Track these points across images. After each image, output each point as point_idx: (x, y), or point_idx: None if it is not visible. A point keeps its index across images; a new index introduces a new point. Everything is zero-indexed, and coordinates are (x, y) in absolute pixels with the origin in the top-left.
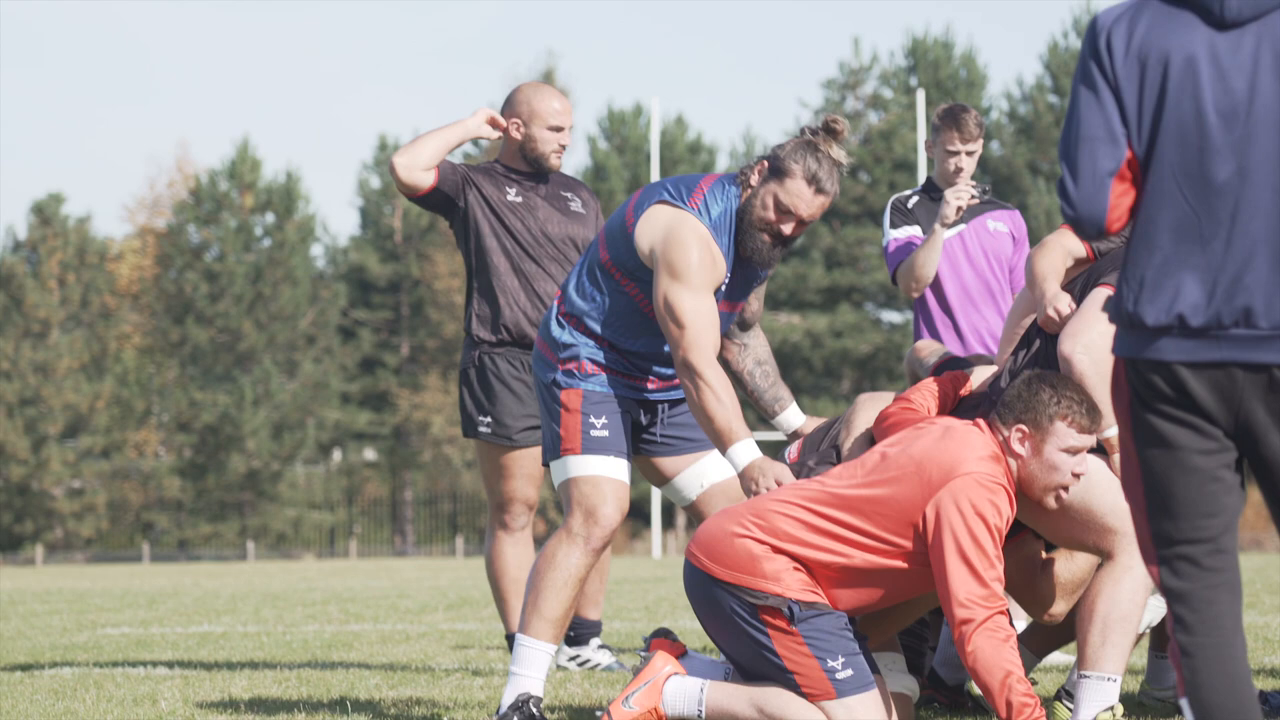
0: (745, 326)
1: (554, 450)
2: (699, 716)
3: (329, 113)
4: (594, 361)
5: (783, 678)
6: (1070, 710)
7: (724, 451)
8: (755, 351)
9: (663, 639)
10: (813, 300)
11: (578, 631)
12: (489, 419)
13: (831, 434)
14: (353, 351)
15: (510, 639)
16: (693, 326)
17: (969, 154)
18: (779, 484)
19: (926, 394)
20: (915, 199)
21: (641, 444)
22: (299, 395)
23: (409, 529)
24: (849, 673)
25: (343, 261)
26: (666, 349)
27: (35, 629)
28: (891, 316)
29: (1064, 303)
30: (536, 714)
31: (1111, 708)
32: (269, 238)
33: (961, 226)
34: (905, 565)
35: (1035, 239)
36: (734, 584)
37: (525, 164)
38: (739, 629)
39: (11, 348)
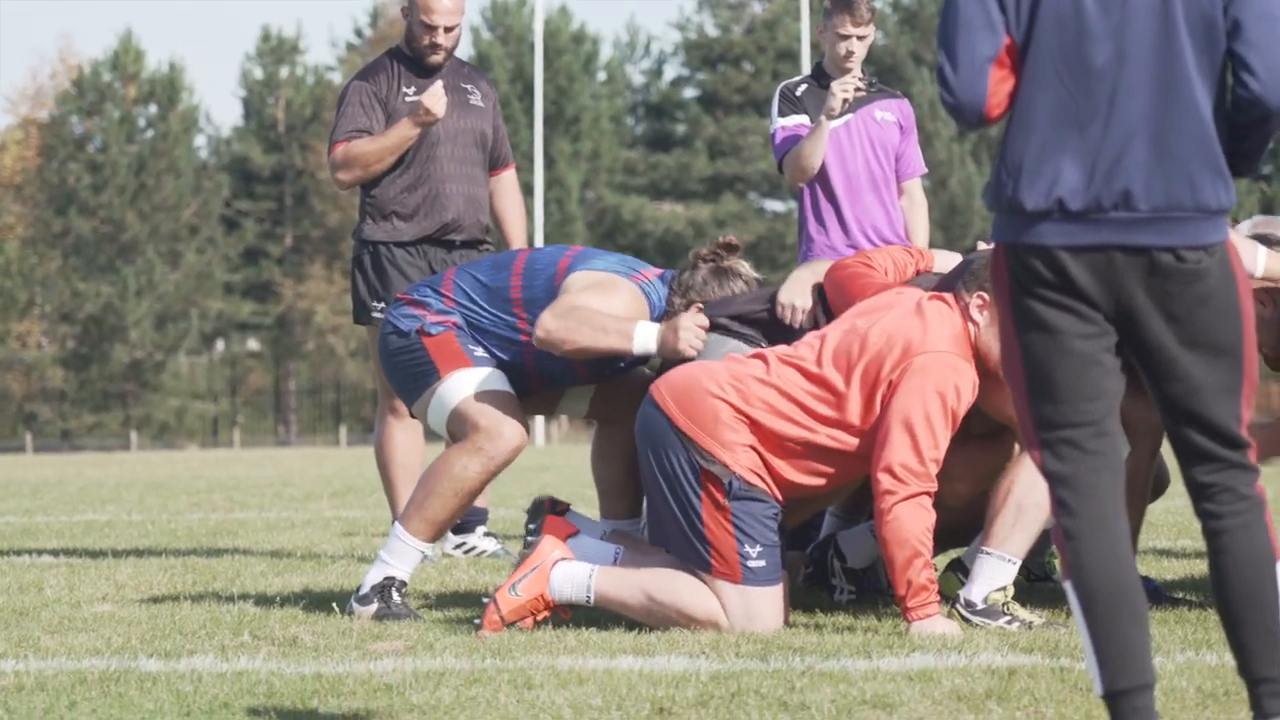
0: None
1: (431, 377)
2: (587, 602)
3: (212, 4)
4: (460, 327)
5: (693, 547)
6: (962, 581)
7: (633, 353)
8: None
9: (552, 517)
10: (696, 190)
11: (464, 519)
12: (382, 304)
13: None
14: (236, 242)
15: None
16: (564, 300)
17: (860, 38)
18: (700, 326)
19: (888, 257)
20: (804, 87)
21: None
22: (182, 286)
23: (293, 419)
24: (761, 564)
25: (226, 152)
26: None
27: None
28: (775, 205)
29: None
30: (399, 599)
31: (1004, 588)
32: (152, 129)
33: (849, 116)
34: (864, 444)
35: (919, 128)
36: (690, 437)
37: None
38: (676, 482)
39: None
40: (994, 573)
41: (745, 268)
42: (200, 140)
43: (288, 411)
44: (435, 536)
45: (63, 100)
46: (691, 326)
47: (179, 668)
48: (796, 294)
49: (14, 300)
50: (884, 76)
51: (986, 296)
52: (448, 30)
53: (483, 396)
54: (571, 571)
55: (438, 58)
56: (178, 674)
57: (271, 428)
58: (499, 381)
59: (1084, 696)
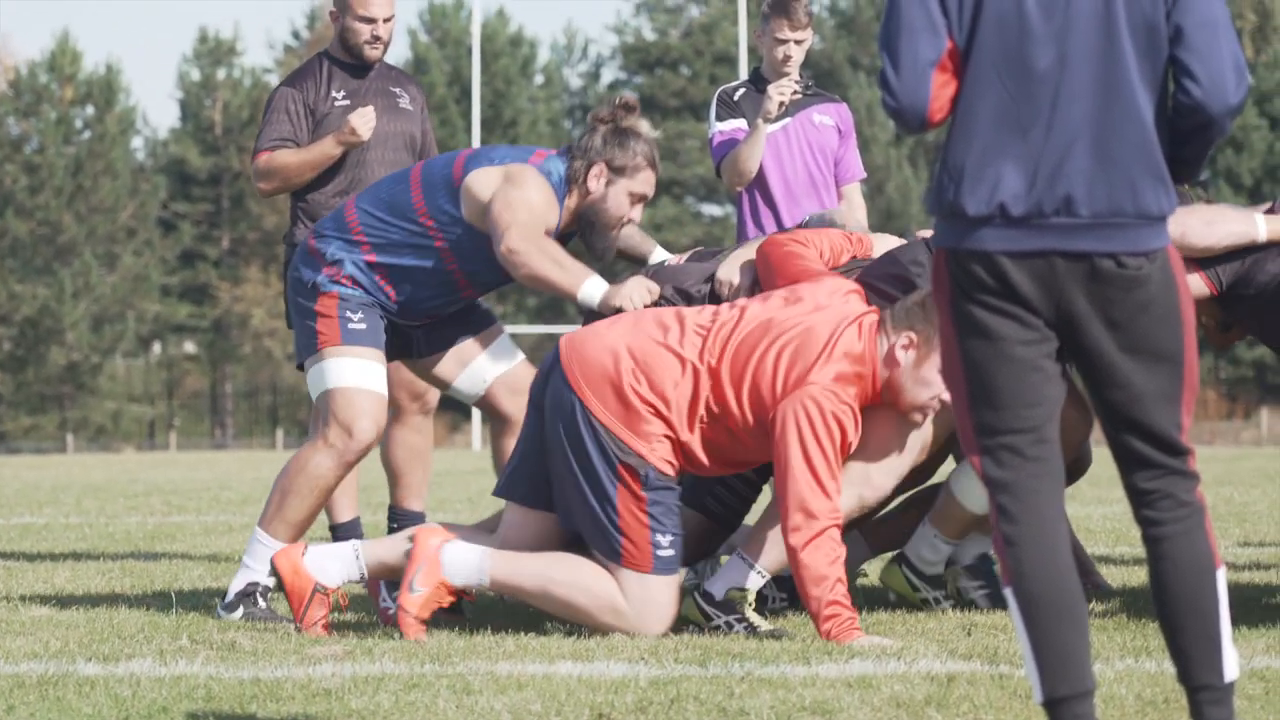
0: None
1: (310, 348)
2: (482, 585)
3: (149, 5)
4: (355, 280)
5: (604, 536)
6: (908, 576)
7: (576, 298)
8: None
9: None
10: None
11: (400, 524)
12: None
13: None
14: (173, 244)
15: (334, 530)
16: (521, 215)
17: (798, 43)
18: (650, 292)
19: (824, 240)
20: (741, 91)
21: (404, 354)
22: (119, 288)
23: (229, 421)
24: (670, 553)
25: (163, 154)
26: (433, 303)
27: None
28: (712, 210)
29: None
30: (264, 603)
31: (745, 590)
32: (89, 130)
33: (787, 120)
34: (760, 437)
35: (856, 133)
36: (608, 428)
37: (350, 55)
38: (591, 471)
39: None
40: (738, 574)
41: (645, 126)
42: (137, 142)
43: (224, 414)
44: (296, 537)
45: None
46: (639, 289)
47: (117, 672)
48: (733, 272)
49: None
50: (821, 81)
51: (914, 337)
52: (385, 21)
53: (344, 391)
54: (461, 555)
55: (377, 52)
56: (116, 678)
57: (208, 431)
58: (363, 371)
59: (1023, 703)
